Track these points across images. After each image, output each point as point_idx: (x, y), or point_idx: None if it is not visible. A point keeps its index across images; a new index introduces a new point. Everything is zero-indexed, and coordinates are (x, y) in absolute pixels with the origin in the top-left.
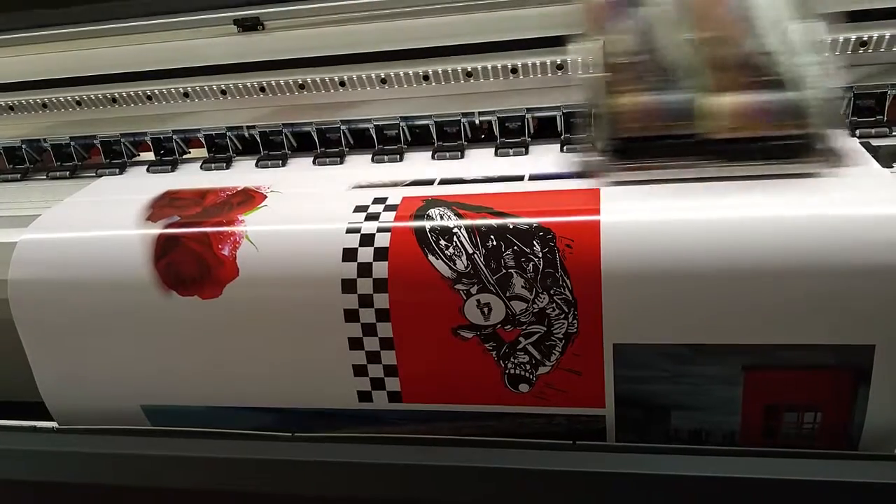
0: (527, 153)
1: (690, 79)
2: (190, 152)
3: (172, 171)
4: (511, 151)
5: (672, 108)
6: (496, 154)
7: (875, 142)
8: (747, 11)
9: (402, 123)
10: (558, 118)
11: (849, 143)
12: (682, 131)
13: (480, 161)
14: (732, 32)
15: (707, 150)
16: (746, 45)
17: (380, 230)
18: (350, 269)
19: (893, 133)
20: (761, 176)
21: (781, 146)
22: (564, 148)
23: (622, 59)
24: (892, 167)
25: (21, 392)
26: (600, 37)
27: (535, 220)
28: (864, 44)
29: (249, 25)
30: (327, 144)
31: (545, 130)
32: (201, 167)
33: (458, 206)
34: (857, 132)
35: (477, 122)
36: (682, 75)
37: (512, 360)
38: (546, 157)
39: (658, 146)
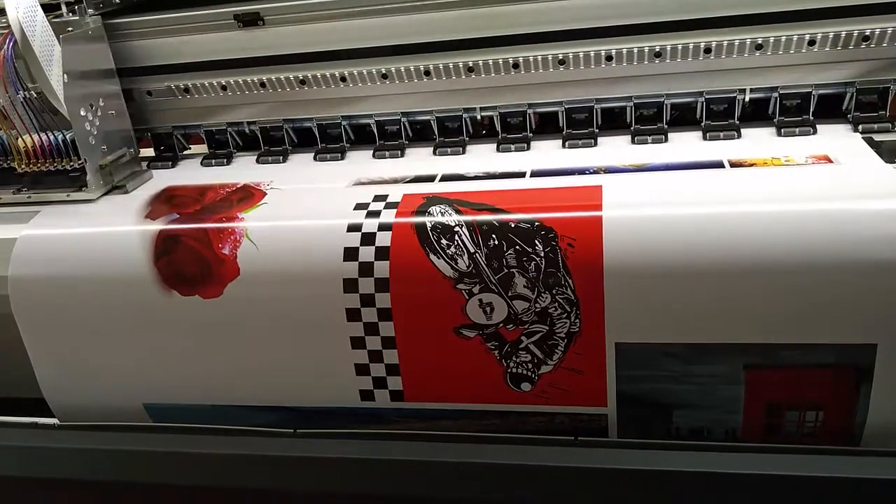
0: (528, 148)
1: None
2: (191, 148)
3: (173, 167)
4: (513, 147)
5: None
6: (498, 150)
7: (877, 137)
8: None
9: (403, 119)
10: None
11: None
12: (3, 165)
13: (481, 157)
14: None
15: (20, 180)
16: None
17: (381, 229)
18: (352, 269)
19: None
20: (44, 202)
21: (63, 177)
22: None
23: None
24: (895, 162)
25: (22, 388)
26: None
27: (536, 220)
28: (866, 38)
29: (250, 21)
30: (328, 140)
31: None
32: (202, 163)
33: (460, 204)
34: (860, 127)
35: (478, 117)
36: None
37: (514, 359)
38: None
39: None
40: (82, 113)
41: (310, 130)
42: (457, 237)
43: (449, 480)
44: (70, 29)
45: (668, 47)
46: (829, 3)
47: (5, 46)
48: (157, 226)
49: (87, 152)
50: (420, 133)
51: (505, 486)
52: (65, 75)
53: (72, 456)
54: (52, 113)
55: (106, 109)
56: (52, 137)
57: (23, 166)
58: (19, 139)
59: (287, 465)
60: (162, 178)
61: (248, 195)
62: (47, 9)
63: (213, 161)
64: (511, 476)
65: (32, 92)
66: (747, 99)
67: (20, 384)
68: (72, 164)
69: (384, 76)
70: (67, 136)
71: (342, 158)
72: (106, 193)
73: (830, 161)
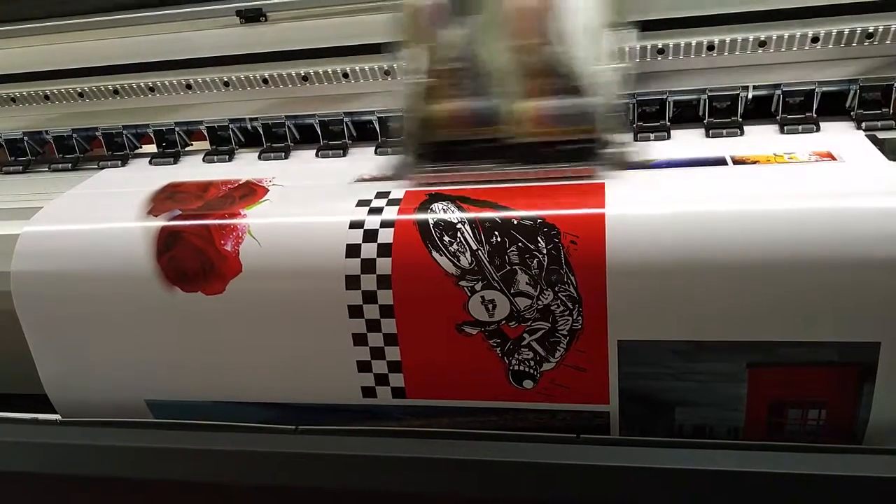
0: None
1: (502, 85)
2: (192, 144)
3: (175, 163)
4: None
5: (479, 114)
6: None
7: (881, 135)
8: (556, 20)
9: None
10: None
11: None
12: (486, 136)
13: None
14: (541, 40)
15: (506, 154)
16: (551, 53)
17: (383, 225)
18: (354, 266)
19: None
20: (549, 178)
21: (570, 150)
22: (377, 151)
23: (443, 65)
24: None
25: (24, 384)
26: (423, 43)
27: (539, 217)
28: (870, 36)
29: (252, 17)
30: (330, 137)
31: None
32: (204, 159)
33: (462, 201)
34: (863, 125)
35: None
36: (494, 82)
37: (516, 356)
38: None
39: (463, 150)
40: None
41: (312, 127)
42: (459, 234)
43: (450, 477)
44: None
45: (671, 44)
46: (833, 0)
47: None
48: (159, 222)
49: (599, 122)
50: None
51: (507, 483)
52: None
53: (74, 452)
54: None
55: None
56: (562, 103)
57: (522, 136)
58: (520, 103)
59: (289, 461)
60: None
61: (251, 191)
62: None
63: (216, 157)
64: (513, 473)
65: (550, 49)
66: (750, 96)
67: (22, 380)
68: (587, 135)
69: (387, 73)
70: (580, 102)
71: (344, 155)
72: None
73: (834, 158)
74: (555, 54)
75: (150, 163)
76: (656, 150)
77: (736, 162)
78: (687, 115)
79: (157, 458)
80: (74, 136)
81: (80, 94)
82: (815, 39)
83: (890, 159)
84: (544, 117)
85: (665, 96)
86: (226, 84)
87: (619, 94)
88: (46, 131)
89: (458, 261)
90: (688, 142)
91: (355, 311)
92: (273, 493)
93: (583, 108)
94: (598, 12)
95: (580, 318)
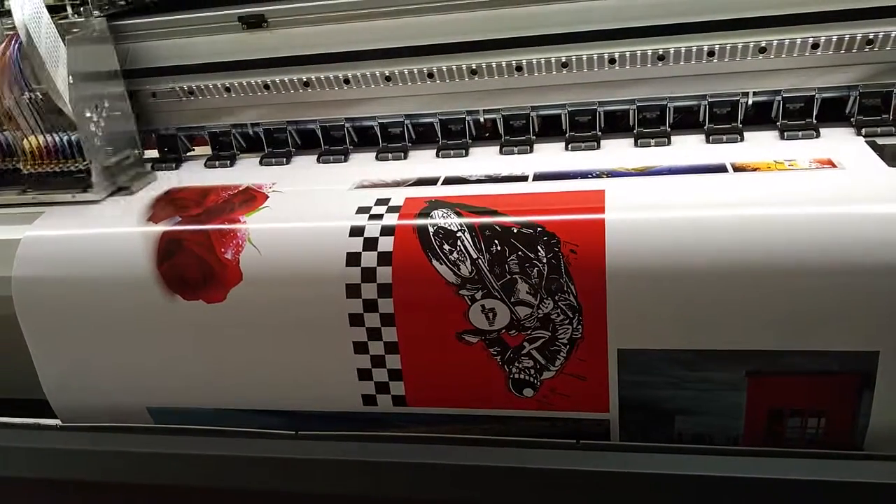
0: (531, 151)
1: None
2: (194, 149)
3: (176, 168)
4: (516, 150)
5: (3, 146)
6: (501, 152)
7: (881, 141)
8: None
9: (406, 121)
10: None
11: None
12: (8, 166)
13: (484, 159)
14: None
15: (25, 181)
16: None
17: (383, 233)
18: (354, 274)
19: None
20: (49, 203)
21: (68, 178)
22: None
23: None
24: None
25: (24, 390)
26: None
27: (539, 226)
28: (869, 42)
29: (254, 23)
30: (331, 142)
31: None
32: (205, 165)
33: (462, 208)
34: (863, 131)
35: (482, 119)
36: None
37: (516, 364)
38: None
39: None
40: (87, 114)
41: (313, 132)
42: (459, 242)
43: (450, 484)
44: (76, 30)
45: (672, 50)
46: (833, 6)
47: (11, 48)
48: (159, 229)
49: (92, 153)
50: (423, 135)
51: (507, 489)
52: (70, 77)
53: (74, 457)
54: (58, 114)
55: (111, 110)
56: (57, 138)
57: (28, 167)
58: (25, 140)
59: (289, 466)
60: (166, 180)
61: (251, 198)
62: (52, 10)
63: (217, 163)
64: (513, 479)
65: (38, 93)
66: (750, 102)
67: (23, 385)
68: (77, 165)
69: (388, 78)
70: (73, 138)
71: (345, 161)
72: (111, 194)
73: (834, 165)
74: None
75: (153, 168)
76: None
77: (736, 169)
78: (687, 121)
79: (158, 463)
80: None
81: None
82: (815, 46)
83: (890, 165)
84: (42, 150)
85: (665, 102)
86: (227, 90)
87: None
88: None
89: (459, 270)
90: (688, 147)
91: (356, 320)
92: (273, 498)
93: (74, 141)
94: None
95: (580, 326)
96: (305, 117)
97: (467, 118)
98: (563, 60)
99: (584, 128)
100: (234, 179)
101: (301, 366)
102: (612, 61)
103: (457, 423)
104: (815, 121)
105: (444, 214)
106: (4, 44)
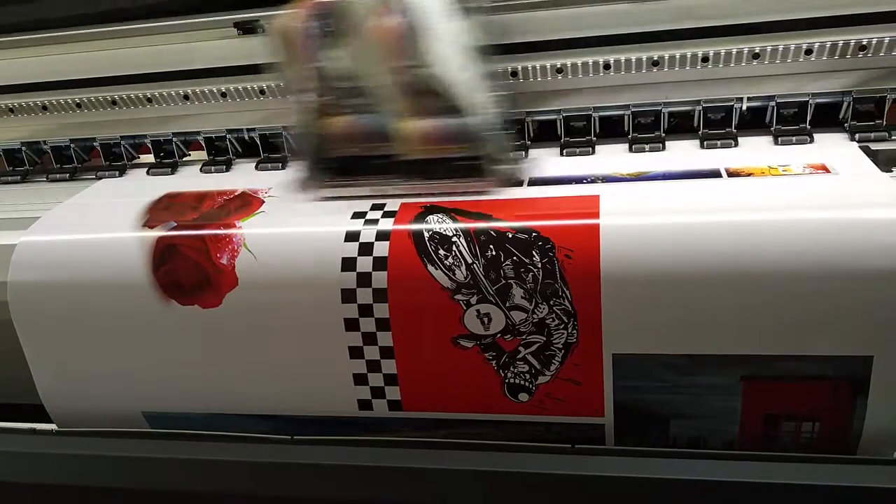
0: (526, 156)
1: (384, 104)
2: (190, 155)
3: (172, 173)
4: None
5: (371, 131)
6: None
7: (874, 146)
8: (421, 43)
9: None
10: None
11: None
12: (379, 152)
13: None
14: (411, 62)
15: (400, 169)
16: (424, 74)
17: (378, 238)
18: (350, 279)
19: (892, 137)
20: (442, 193)
21: (457, 166)
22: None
23: (329, 84)
24: (892, 171)
25: (20, 394)
26: (302, 65)
27: (534, 231)
28: (863, 48)
29: (249, 28)
30: None
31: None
32: (201, 170)
33: (457, 213)
34: (857, 136)
35: None
36: (378, 101)
37: (511, 369)
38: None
39: (359, 165)
40: (480, 97)
41: None
42: (454, 247)
43: (446, 488)
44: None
45: (666, 56)
46: (826, 12)
47: (400, 18)
48: (154, 234)
49: (489, 139)
50: None
51: (503, 493)
52: (470, 54)
53: (70, 462)
54: (434, 96)
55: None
56: (441, 122)
57: (414, 152)
58: (407, 123)
59: (285, 471)
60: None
61: (246, 203)
62: None
63: (213, 168)
64: (508, 484)
65: (423, 71)
66: (744, 107)
67: (19, 390)
68: (470, 151)
69: None
70: (463, 121)
71: None
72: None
73: (827, 170)
74: (427, 76)
75: (148, 173)
76: (555, 164)
77: (730, 174)
78: (682, 126)
79: (154, 468)
80: (72, 146)
81: (78, 105)
82: (808, 51)
83: (883, 171)
84: (427, 135)
85: (660, 107)
86: (223, 95)
87: (500, 113)
88: (44, 142)
89: (454, 274)
90: (683, 152)
91: (351, 325)
92: (269, 503)
93: (463, 126)
94: (466, 37)
95: (575, 331)
96: None
97: None
98: (558, 66)
99: (578, 133)
100: (230, 184)
101: (296, 371)
102: (606, 67)
103: (452, 428)
104: (808, 126)
105: (440, 219)
106: (390, 15)
